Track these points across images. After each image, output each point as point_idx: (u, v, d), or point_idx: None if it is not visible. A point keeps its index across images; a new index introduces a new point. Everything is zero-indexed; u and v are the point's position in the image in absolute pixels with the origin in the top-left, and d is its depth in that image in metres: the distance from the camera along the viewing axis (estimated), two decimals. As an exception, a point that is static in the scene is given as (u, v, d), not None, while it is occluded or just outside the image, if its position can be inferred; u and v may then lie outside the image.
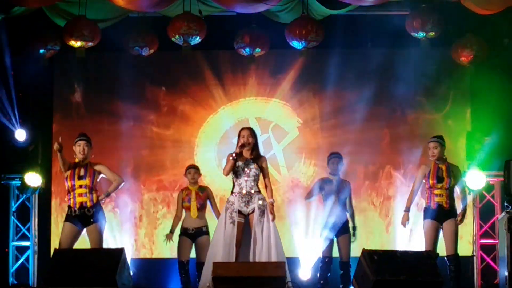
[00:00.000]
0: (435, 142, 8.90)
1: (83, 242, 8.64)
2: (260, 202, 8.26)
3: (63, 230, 8.58)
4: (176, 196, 9.74)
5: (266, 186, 8.40)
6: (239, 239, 8.22)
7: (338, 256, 9.45)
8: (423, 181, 8.91)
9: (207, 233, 9.35)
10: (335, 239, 9.41)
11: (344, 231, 9.38)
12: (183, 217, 9.41)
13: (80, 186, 8.51)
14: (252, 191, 8.30)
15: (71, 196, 8.53)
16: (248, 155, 8.36)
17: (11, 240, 10.55)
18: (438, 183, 8.81)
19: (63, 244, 8.47)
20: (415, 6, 9.57)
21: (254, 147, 8.40)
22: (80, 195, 8.51)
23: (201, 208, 9.37)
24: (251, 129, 8.50)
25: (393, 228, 10.65)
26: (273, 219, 8.27)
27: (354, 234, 9.43)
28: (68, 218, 8.56)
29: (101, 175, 8.66)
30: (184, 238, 9.36)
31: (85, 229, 8.55)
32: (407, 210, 8.92)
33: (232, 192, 8.36)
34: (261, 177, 8.41)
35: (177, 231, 9.39)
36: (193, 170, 9.51)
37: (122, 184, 8.81)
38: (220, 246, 8.18)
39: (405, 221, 8.92)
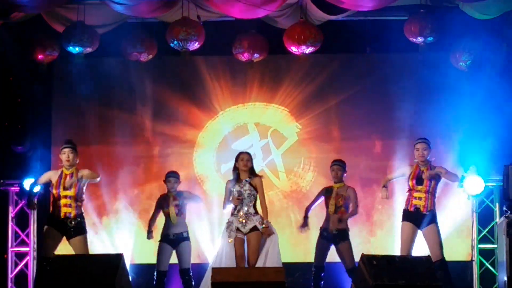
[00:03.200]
0: (424, 143, 8.83)
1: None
2: (259, 226, 8.62)
3: (48, 234, 8.59)
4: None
5: (261, 206, 8.72)
6: (241, 253, 8.56)
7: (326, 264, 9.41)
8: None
9: (187, 238, 9.36)
10: (333, 247, 9.31)
11: (342, 239, 9.27)
12: (163, 222, 9.40)
13: (65, 197, 8.52)
14: (249, 212, 8.66)
15: (56, 205, 8.54)
16: (244, 177, 8.72)
17: (10, 246, 10.54)
18: (418, 185, 8.74)
19: (50, 248, 8.50)
20: (414, 11, 9.57)
21: (251, 169, 8.78)
22: (65, 205, 8.54)
23: (179, 213, 9.34)
24: (249, 154, 8.91)
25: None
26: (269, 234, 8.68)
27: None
28: (50, 222, 8.59)
29: (87, 181, 8.68)
30: (164, 244, 9.34)
31: (66, 240, 8.60)
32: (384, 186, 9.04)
33: (232, 214, 8.71)
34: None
35: (158, 237, 9.41)
36: (173, 179, 9.46)
37: (98, 179, 8.88)
38: (222, 262, 8.55)
39: (384, 194, 9.00)
